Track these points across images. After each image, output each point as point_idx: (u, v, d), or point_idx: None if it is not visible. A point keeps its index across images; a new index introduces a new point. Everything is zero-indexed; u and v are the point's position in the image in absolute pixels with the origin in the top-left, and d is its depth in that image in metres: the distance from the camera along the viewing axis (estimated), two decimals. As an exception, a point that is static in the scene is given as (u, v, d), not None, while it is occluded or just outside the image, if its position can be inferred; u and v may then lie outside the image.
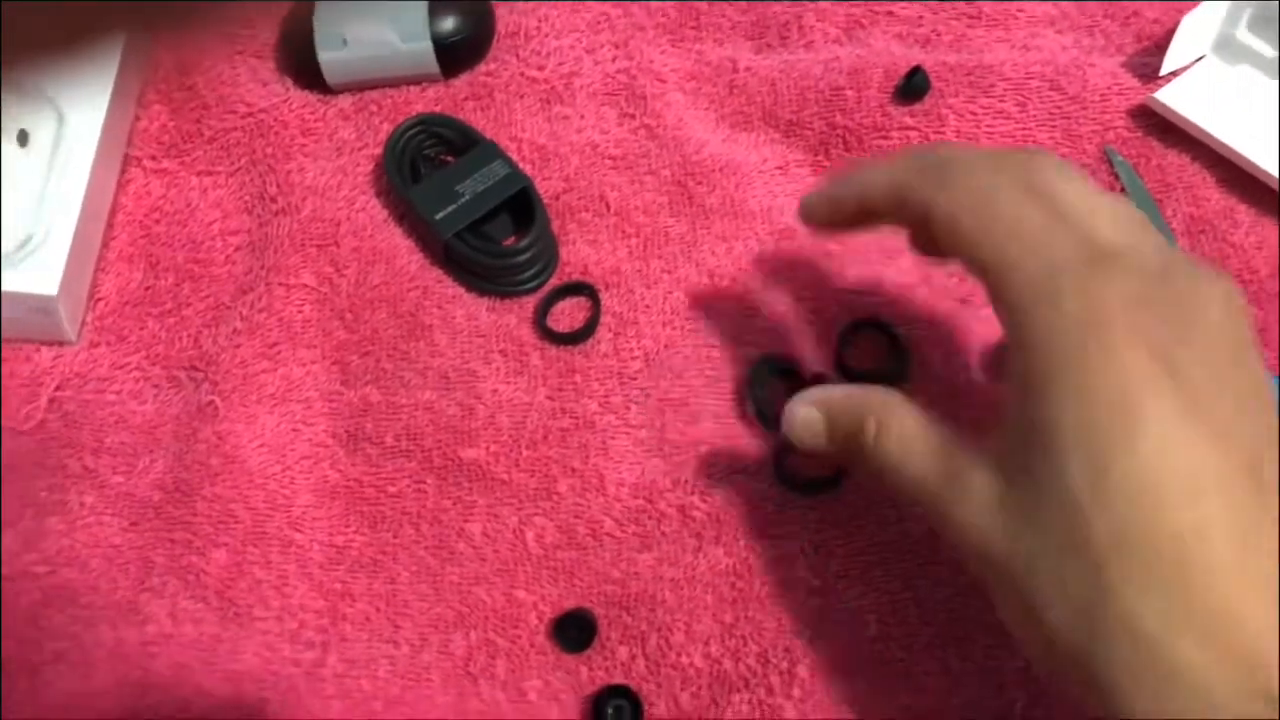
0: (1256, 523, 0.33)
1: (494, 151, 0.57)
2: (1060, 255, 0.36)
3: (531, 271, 0.54)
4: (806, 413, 0.43)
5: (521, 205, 0.56)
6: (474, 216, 0.55)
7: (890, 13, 0.61)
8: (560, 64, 0.60)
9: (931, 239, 0.40)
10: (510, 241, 0.56)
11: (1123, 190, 0.56)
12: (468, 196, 0.55)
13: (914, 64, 0.58)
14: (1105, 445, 0.34)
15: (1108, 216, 0.38)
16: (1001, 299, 0.37)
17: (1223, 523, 0.33)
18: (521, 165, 0.57)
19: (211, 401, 0.52)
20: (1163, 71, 0.57)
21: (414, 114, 0.59)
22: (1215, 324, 0.35)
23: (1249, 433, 0.34)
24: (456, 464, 0.51)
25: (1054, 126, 0.57)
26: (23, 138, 0.55)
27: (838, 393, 0.43)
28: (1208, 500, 0.33)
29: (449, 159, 0.58)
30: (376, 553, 0.50)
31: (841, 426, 0.42)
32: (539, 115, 0.59)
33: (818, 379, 0.51)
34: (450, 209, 0.55)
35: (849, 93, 0.58)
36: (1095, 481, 0.34)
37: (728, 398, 0.52)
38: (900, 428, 0.40)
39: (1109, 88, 0.58)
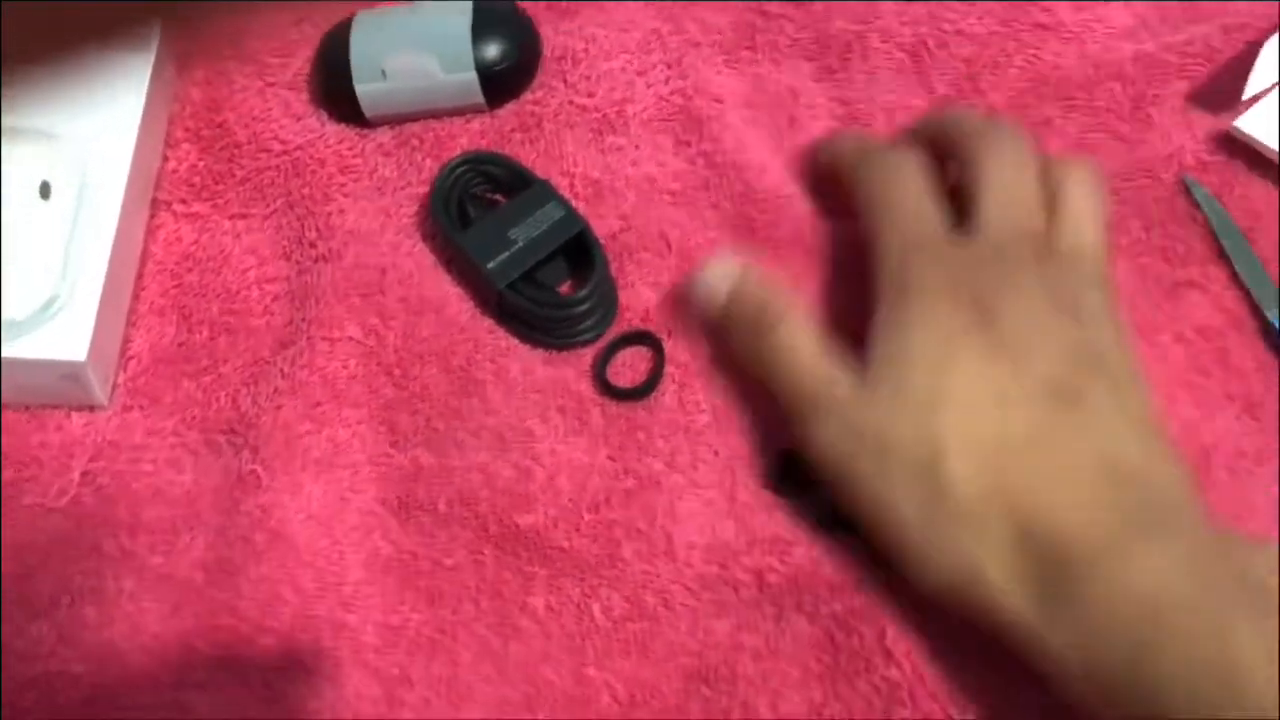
0: (1050, 427, 0.42)
1: (548, 192, 0.53)
2: (916, 236, 0.46)
3: (590, 321, 0.51)
4: (720, 271, 0.47)
5: (577, 248, 0.52)
6: (528, 264, 0.51)
7: (959, 31, 0.57)
8: (611, 89, 0.57)
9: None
10: (566, 287, 0.53)
11: (1206, 222, 0.52)
12: (521, 243, 0.52)
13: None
14: (934, 367, 0.43)
15: (1000, 198, 0.47)
16: (875, 261, 0.46)
17: (1019, 425, 0.42)
18: (574, 202, 0.54)
19: (254, 470, 0.48)
20: (1245, 96, 0.53)
21: (459, 151, 0.55)
22: (1025, 285, 0.44)
23: (1045, 364, 0.43)
24: (514, 532, 0.48)
25: (1121, 155, 0.54)
26: (44, 189, 0.51)
27: (752, 273, 0.47)
28: (1006, 409, 0.42)
29: (498, 198, 0.55)
30: (434, 631, 0.47)
31: (746, 303, 0.47)
32: (591, 147, 0.56)
33: None
34: (503, 256, 0.51)
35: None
36: (928, 393, 0.42)
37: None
38: (797, 327, 0.45)
39: (1185, 113, 0.54)
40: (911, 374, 0.43)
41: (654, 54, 0.58)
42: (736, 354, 0.47)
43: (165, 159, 0.56)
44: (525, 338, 0.51)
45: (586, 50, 0.58)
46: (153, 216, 0.55)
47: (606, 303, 0.51)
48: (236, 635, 0.46)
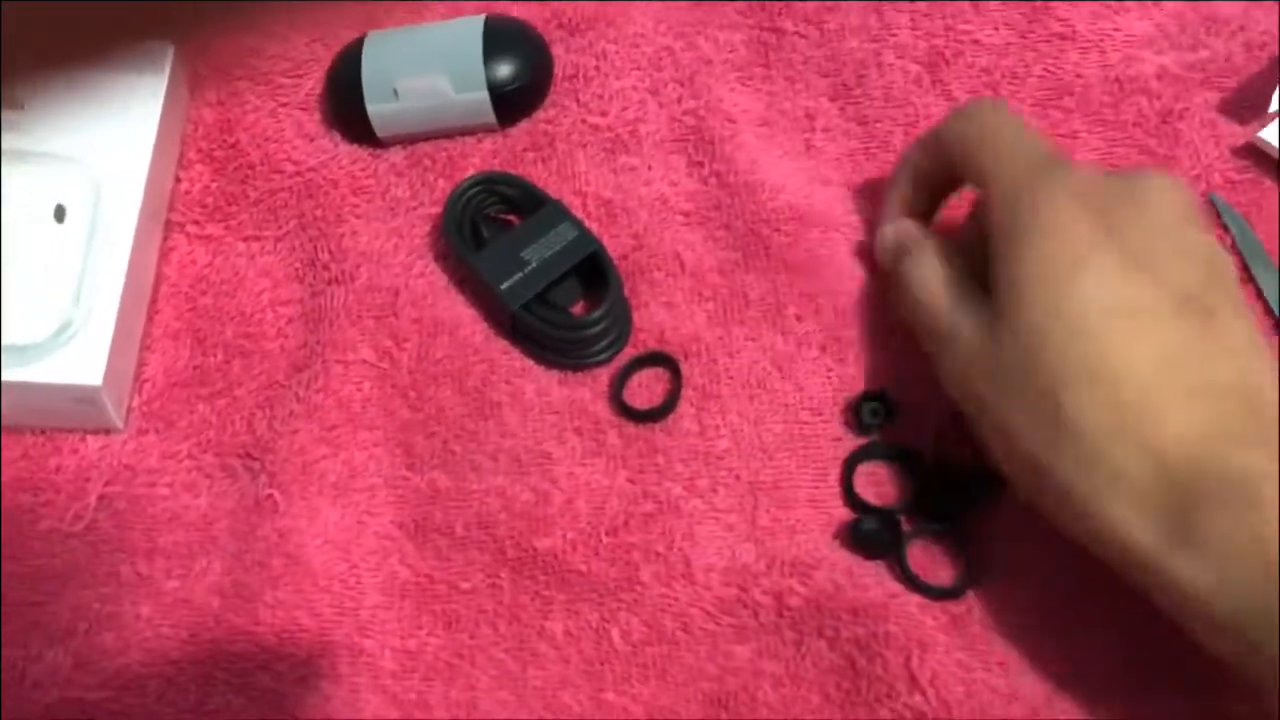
0: (1182, 346, 0.40)
1: (561, 213, 0.53)
2: (1031, 163, 0.45)
3: (605, 343, 0.51)
4: (887, 232, 0.51)
5: (591, 269, 0.52)
6: (542, 285, 0.51)
7: (976, 41, 0.57)
8: (624, 108, 0.56)
9: (948, 166, 0.49)
10: (579, 308, 0.52)
11: (1232, 242, 0.52)
12: (535, 263, 0.51)
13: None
14: (1056, 288, 0.41)
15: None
16: (989, 199, 0.46)
17: (1150, 345, 0.40)
18: (587, 222, 0.53)
19: (270, 495, 0.48)
20: (1272, 108, 0.53)
21: (472, 170, 0.55)
22: (1155, 202, 0.43)
23: (1180, 277, 0.41)
24: (532, 555, 0.48)
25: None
26: (59, 213, 0.51)
27: (905, 225, 0.50)
28: (1137, 326, 0.41)
29: (511, 218, 0.54)
30: (452, 656, 0.46)
31: (895, 249, 0.49)
32: (604, 166, 0.55)
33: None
34: (517, 277, 0.51)
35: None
36: (1047, 317, 0.41)
37: (827, 480, 0.48)
38: (931, 260, 0.47)
39: (1214, 126, 0.54)
40: (1036, 295, 0.42)
41: (666, 71, 0.57)
42: (893, 299, 0.49)
43: (178, 180, 0.56)
44: (539, 359, 0.51)
45: (598, 68, 0.57)
46: (166, 238, 0.55)
47: (621, 323, 0.51)
48: (254, 661, 0.45)
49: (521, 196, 0.54)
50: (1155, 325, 0.41)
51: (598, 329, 0.50)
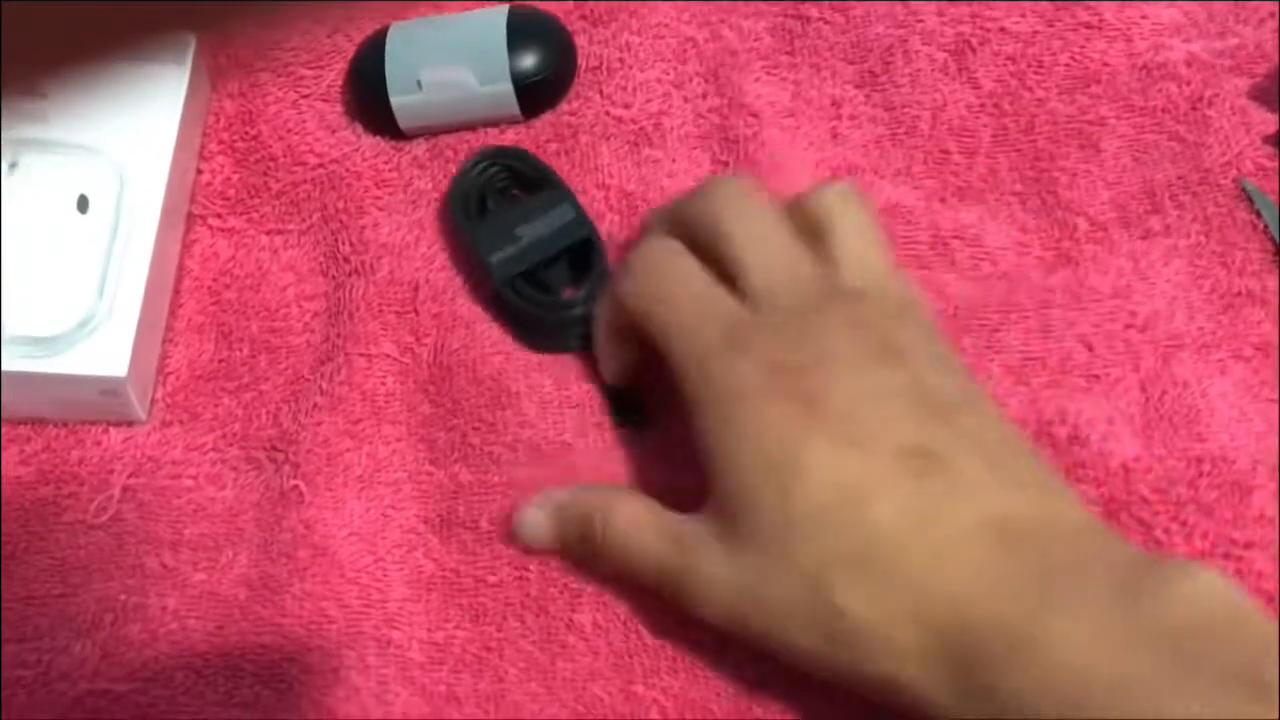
0: (918, 507, 0.39)
1: (563, 194, 0.52)
2: (706, 337, 0.42)
3: (582, 329, 0.50)
4: (533, 514, 0.46)
5: (584, 255, 0.52)
6: (531, 263, 0.51)
7: (1003, 29, 0.56)
8: (648, 101, 0.56)
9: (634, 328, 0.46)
10: (569, 293, 0.52)
11: (1265, 229, 0.51)
12: (526, 241, 0.51)
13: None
14: (780, 481, 0.39)
15: (757, 256, 0.44)
16: (672, 372, 0.44)
17: (886, 516, 0.38)
18: (609, 215, 0.53)
19: (296, 486, 0.48)
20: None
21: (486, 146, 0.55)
22: (839, 348, 0.41)
23: (892, 432, 0.40)
24: (560, 545, 0.47)
25: (1179, 157, 0.53)
26: (83, 203, 0.51)
27: (562, 494, 0.46)
28: (870, 503, 0.39)
29: (519, 194, 0.54)
30: (480, 649, 0.46)
31: (571, 526, 0.45)
32: (627, 160, 0.55)
33: None
34: (508, 252, 0.51)
35: (958, 158, 0.53)
36: (784, 513, 0.39)
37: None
38: (627, 515, 0.43)
39: (1241, 109, 0.53)
40: (758, 500, 0.40)
41: (690, 64, 0.57)
42: (602, 577, 0.46)
43: (199, 172, 0.56)
44: (521, 338, 0.51)
45: (622, 60, 0.57)
46: (188, 231, 0.55)
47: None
48: (282, 653, 0.45)
49: (532, 173, 0.54)
50: (887, 495, 0.39)
51: (575, 313, 0.50)
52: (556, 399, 0.50)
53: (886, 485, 0.39)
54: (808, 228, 0.45)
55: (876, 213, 0.52)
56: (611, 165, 0.55)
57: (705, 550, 0.41)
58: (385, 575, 0.47)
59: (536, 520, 0.45)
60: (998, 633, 0.37)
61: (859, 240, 0.45)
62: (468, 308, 0.52)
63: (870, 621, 0.38)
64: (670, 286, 0.45)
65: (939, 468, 0.39)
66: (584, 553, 0.45)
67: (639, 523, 0.43)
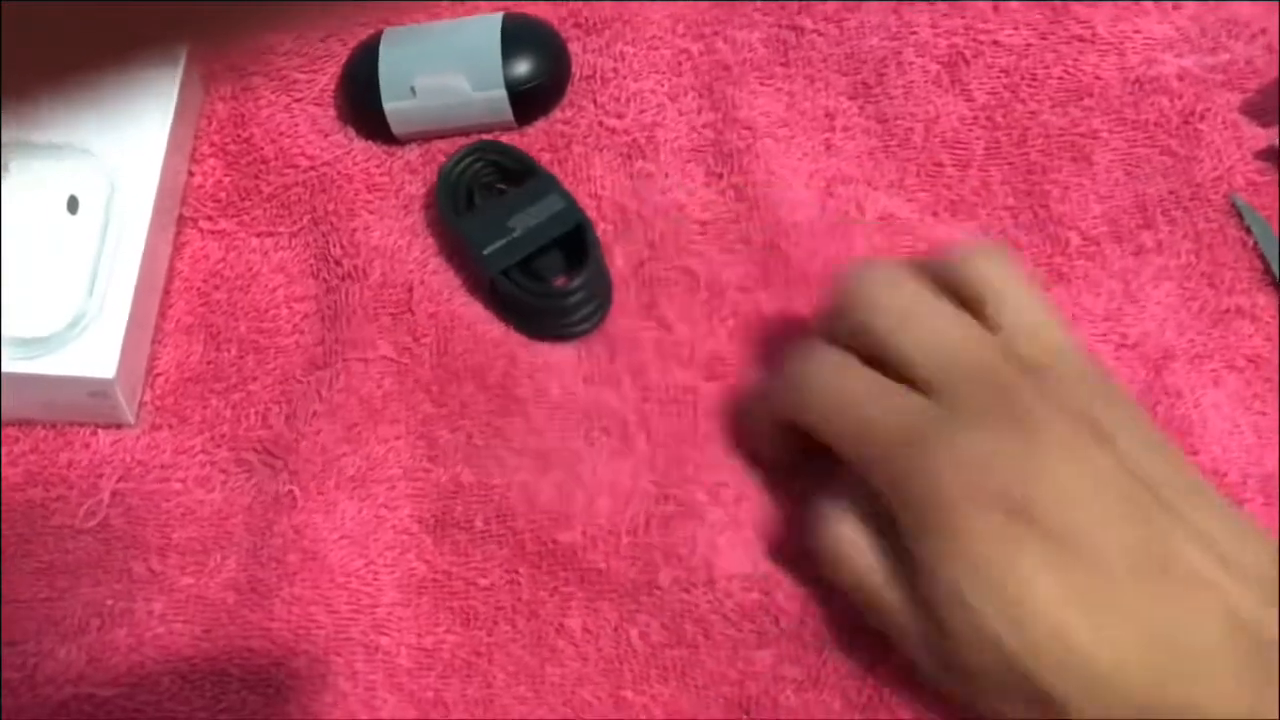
0: (1154, 614, 0.36)
1: (551, 183, 0.52)
2: (890, 438, 0.39)
3: (583, 313, 0.50)
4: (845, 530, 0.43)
5: (576, 242, 0.52)
6: (524, 253, 0.51)
7: (996, 42, 0.56)
8: (641, 112, 0.56)
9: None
10: (562, 281, 0.52)
11: (1255, 246, 0.52)
12: (519, 231, 0.51)
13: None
14: (1001, 608, 0.37)
15: (928, 351, 0.40)
16: (863, 479, 0.41)
17: (1117, 623, 0.36)
18: (602, 225, 0.53)
19: (290, 491, 0.48)
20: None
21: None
22: (1062, 456, 0.37)
23: (1117, 538, 0.37)
24: (551, 549, 0.47)
25: (1170, 171, 0.53)
26: (73, 204, 0.51)
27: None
28: (1096, 611, 0.36)
29: (505, 188, 0.54)
30: (470, 654, 0.46)
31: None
32: (620, 171, 0.55)
33: None
34: (500, 243, 0.51)
35: (950, 170, 0.54)
36: (1015, 637, 0.37)
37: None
38: (844, 525, 0.42)
39: (1232, 124, 0.54)
40: (981, 611, 0.37)
41: (685, 76, 0.57)
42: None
43: (191, 174, 0.56)
44: (518, 327, 0.51)
45: (615, 70, 0.57)
46: (178, 233, 0.55)
47: (600, 297, 0.51)
48: (269, 658, 0.45)
49: (517, 166, 0.54)
50: (1115, 610, 0.37)
51: (574, 299, 0.50)
52: (564, 404, 0.50)
53: (1116, 598, 0.37)
54: (963, 295, 0.42)
55: (875, 221, 0.52)
56: (604, 176, 0.55)
57: (906, 593, 0.40)
58: (376, 579, 0.47)
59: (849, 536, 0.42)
60: None
61: (1029, 308, 0.42)
62: (466, 307, 0.52)
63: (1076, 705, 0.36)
64: (843, 392, 0.41)
65: (1168, 568, 0.36)
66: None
67: (855, 542, 0.42)
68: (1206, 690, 0.36)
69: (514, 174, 0.54)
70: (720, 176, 0.55)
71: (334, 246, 0.54)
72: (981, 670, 0.38)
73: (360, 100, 0.56)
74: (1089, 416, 0.39)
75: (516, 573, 0.47)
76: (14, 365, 0.48)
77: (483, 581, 0.47)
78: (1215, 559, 0.37)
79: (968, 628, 0.38)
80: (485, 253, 0.51)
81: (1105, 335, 0.50)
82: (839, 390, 0.41)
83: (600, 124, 0.56)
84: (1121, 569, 0.37)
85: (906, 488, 0.39)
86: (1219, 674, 0.36)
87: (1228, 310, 0.50)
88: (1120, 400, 0.41)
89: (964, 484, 0.37)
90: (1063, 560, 0.37)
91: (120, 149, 0.52)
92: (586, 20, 0.58)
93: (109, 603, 0.46)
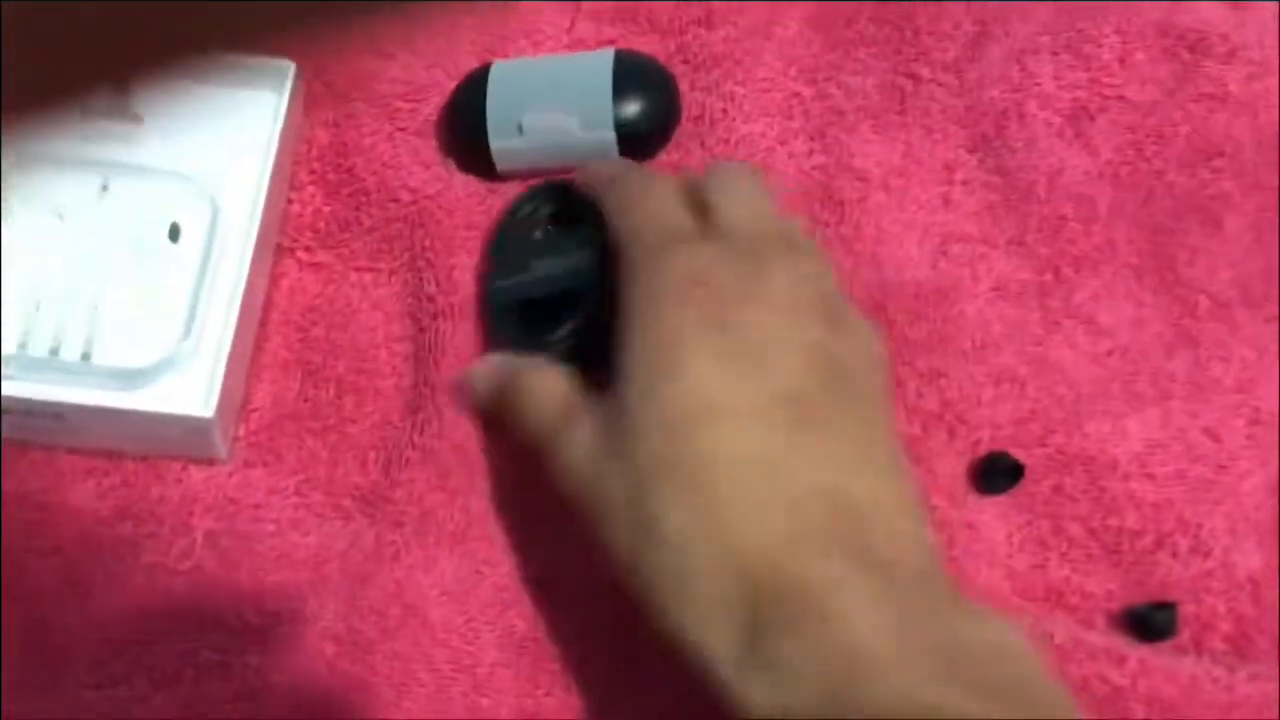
0: (772, 449, 0.36)
1: (592, 238, 0.50)
2: (653, 241, 0.41)
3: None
4: (482, 368, 0.42)
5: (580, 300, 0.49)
6: (527, 296, 0.48)
7: (1122, 97, 0.55)
8: (750, 155, 0.54)
9: None
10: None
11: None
12: (535, 274, 0.49)
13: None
14: (653, 379, 0.38)
15: (734, 202, 0.42)
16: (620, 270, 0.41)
17: (738, 446, 0.36)
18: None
19: (393, 541, 0.46)
20: None
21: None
22: (776, 292, 0.39)
23: (787, 377, 0.37)
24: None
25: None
26: (174, 232, 0.50)
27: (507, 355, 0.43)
28: (727, 426, 0.36)
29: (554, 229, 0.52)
30: (572, 716, 0.44)
31: (501, 379, 0.42)
32: (728, 215, 0.53)
33: None
34: (512, 280, 0.49)
35: (1074, 225, 0.52)
36: (643, 409, 0.37)
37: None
38: (542, 378, 0.41)
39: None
40: (628, 391, 0.38)
41: (795, 120, 0.55)
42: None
43: (290, 201, 0.54)
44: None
45: (725, 111, 0.55)
46: (276, 263, 0.53)
47: (595, 358, 0.48)
48: (369, 715, 0.43)
49: (576, 212, 0.51)
50: (748, 426, 0.37)
51: (553, 351, 0.47)
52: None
53: (752, 421, 0.37)
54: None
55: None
56: (712, 220, 0.53)
57: (579, 425, 0.39)
58: (477, 638, 0.45)
59: (484, 374, 0.42)
60: (796, 590, 0.34)
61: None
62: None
63: (679, 540, 0.36)
64: (651, 191, 0.43)
65: (810, 426, 0.37)
66: (502, 408, 0.42)
67: (547, 387, 0.41)
68: (780, 531, 0.35)
69: (572, 220, 0.52)
70: (827, 225, 0.53)
71: (429, 284, 0.52)
72: (613, 447, 0.38)
73: (466, 135, 0.55)
74: (825, 294, 0.40)
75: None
76: (109, 399, 0.47)
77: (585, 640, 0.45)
78: (852, 443, 0.38)
79: (622, 399, 0.38)
80: (494, 285, 0.48)
81: (1236, 409, 0.48)
82: (643, 193, 0.43)
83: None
84: (769, 407, 0.37)
85: (641, 280, 0.40)
86: (801, 527, 0.36)
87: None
88: (858, 321, 0.41)
89: (690, 289, 0.39)
90: (727, 374, 0.38)
91: (223, 175, 0.51)
92: (695, 56, 0.57)
93: (204, 654, 0.44)
